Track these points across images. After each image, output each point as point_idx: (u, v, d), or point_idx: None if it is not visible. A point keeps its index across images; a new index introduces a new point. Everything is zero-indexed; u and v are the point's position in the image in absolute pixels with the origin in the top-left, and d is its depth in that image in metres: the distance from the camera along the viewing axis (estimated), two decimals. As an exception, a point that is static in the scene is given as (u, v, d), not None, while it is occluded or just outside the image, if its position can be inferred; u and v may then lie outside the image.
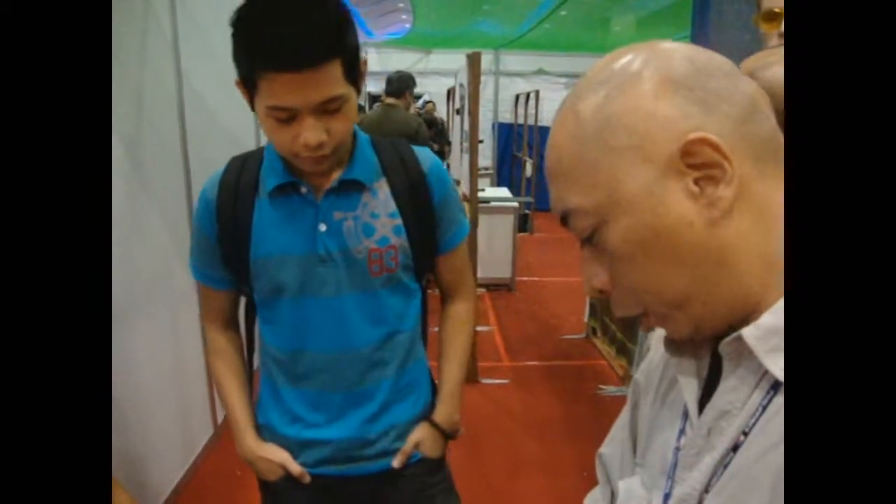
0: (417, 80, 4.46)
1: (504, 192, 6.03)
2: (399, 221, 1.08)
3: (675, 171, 0.46)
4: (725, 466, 0.48)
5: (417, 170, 1.11)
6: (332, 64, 0.90)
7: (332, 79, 0.91)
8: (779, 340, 0.45)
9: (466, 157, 3.69)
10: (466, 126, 3.68)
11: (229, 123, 2.91)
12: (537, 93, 7.56)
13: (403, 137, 1.53)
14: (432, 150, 1.27)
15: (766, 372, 0.46)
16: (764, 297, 0.47)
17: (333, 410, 1.13)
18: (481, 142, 4.75)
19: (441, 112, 7.88)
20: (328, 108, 0.93)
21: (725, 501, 0.47)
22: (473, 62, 3.23)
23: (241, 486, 2.45)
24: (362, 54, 0.98)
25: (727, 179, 0.46)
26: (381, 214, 1.08)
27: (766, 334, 0.45)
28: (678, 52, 0.48)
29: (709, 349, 0.55)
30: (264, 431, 1.18)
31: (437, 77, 8.97)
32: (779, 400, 0.45)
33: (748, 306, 0.48)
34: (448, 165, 5.22)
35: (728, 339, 0.48)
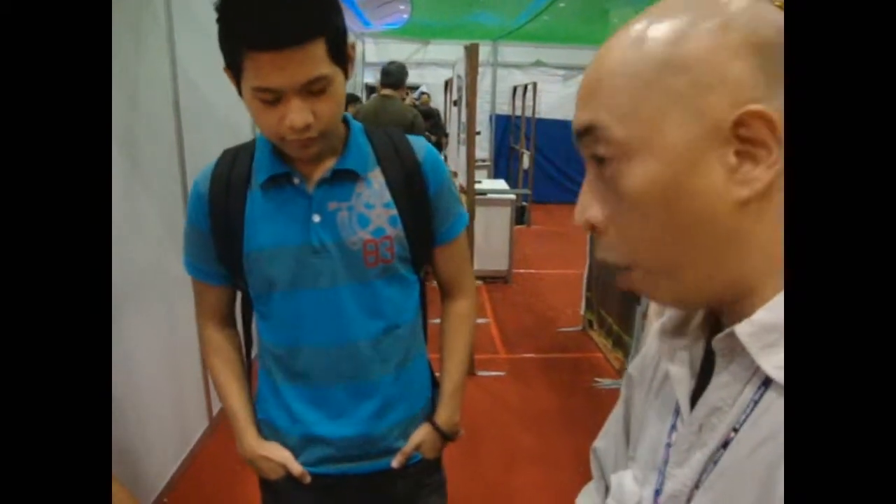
0: (415, 70, 4.46)
1: (501, 184, 6.03)
2: (394, 212, 1.07)
3: (722, 136, 0.43)
4: (715, 463, 0.48)
5: (412, 159, 1.10)
6: (315, 43, 0.89)
7: (315, 58, 0.90)
8: (772, 337, 0.44)
9: (463, 148, 3.68)
10: (464, 118, 3.67)
11: (224, 113, 2.90)
12: (535, 85, 7.55)
13: (400, 128, 1.52)
14: (429, 141, 1.26)
15: (758, 368, 0.45)
16: (759, 290, 0.46)
17: (334, 408, 1.12)
18: (478, 133, 4.74)
19: (438, 103, 7.86)
20: (313, 89, 0.92)
21: (715, 498, 0.47)
22: (471, 53, 3.22)
23: (238, 478, 2.45)
24: (350, 38, 0.97)
25: (770, 162, 0.43)
26: (375, 205, 1.06)
27: (759, 331, 0.45)
28: (771, 16, 0.44)
29: (702, 345, 0.55)
30: (265, 428, 1.17)
31: (435, 68, 8.93)
32: (769, 396, 0.45)
33: (739, 293, 0.47)
34: (445, 157, 5.21)
35: (721, 335, 0.47)
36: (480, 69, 3.52)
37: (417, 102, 7.15)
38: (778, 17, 0.44)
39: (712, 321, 0.55)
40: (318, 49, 0.90)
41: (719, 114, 0.43)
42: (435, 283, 1.25)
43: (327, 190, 1.05)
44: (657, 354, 0.62)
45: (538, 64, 8.91)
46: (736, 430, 0.46)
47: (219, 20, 0.91)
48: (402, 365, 1.14)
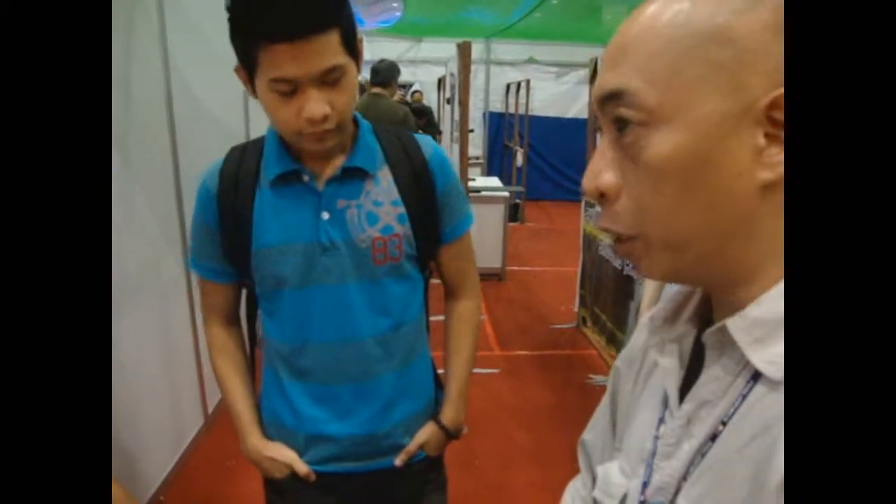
0: (408, 68, 4.44)
1: (495, 181, 6.03)
2: (402, 210, 1.07)
3: (754, 116, 0.42)
4: (703, 455, 0.48)
5: (420, 158, 1.10)
6: (330, 33, 0.90)
7: (331, 48, 0.91)
8: (762, 332, 0.44)
9: (457, 146, 3.68)
10: (457, 115, 3.67)
11: (218, 113, 2.89)
12: (528, 82, 7.54)
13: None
14: None
15: (748, 363, 0.45)
16: (756, 279, 0.46)
17: (340, 406, 1.11)
18: (472, 131, 4.74)
19: (431, 101, 7.85)
20: (328, 79, 0.92)
21: (703, 490, 0.47)
22: (464, 51, 3.22)
23: (234, 476, 2.46)
24: (357, 33, 0.98)
25: None
26: (384, 202, 1.07)
27: (750, 325, 0.45)
28: None
29: (692, 338, 0.55)
30: (269, 427, 1.17)
31: (428, 66, 8.92)
32: (759, 390, 0.45)
33: (736, 279, 0.47)
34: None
35: (712, 329, 0.48)
36: (473, 67, 3.53)
37: (409, 100, 7.14)
38: None
39: (703, 314, 0.55)
40: (333, 39, 0.90)
41: (757, 92, 0.42)
42: (436, 281, 1.25)
43: (337, 187, 1.05)
44: (645, 346, 0.62)
45: (531, 61, 8.91)
46: (724, 424, 0.47)
47: (231, 16, 0.91)
48: (406, 362, 1.14)
